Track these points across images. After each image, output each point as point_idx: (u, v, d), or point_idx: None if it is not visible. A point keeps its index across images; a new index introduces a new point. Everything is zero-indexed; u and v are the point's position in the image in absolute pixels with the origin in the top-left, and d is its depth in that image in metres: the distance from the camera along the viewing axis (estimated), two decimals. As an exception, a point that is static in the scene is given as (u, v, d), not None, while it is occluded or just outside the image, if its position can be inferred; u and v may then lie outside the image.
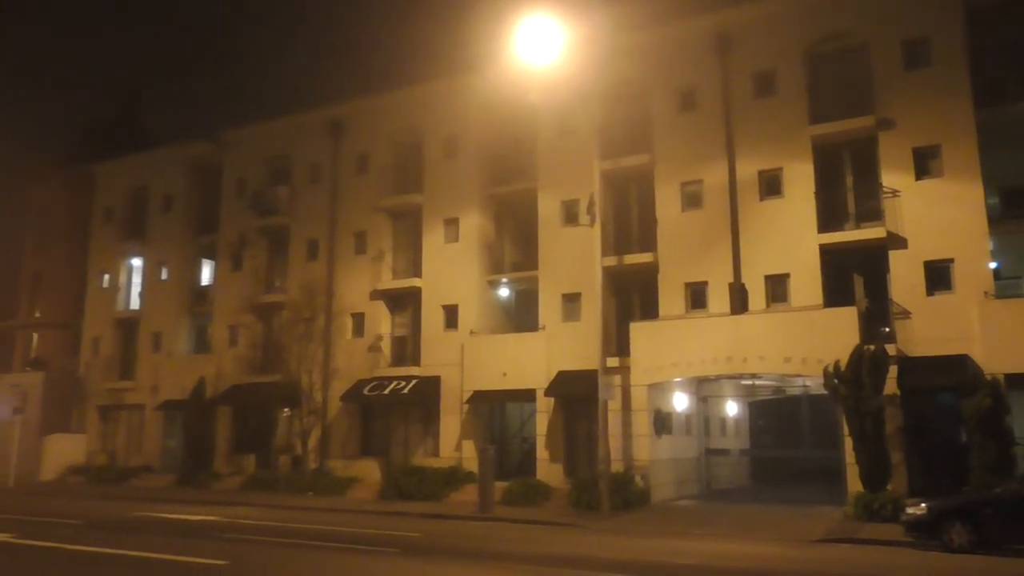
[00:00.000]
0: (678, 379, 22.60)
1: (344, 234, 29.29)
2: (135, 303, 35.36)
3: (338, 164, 29.95)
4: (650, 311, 23.69)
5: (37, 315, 39.40)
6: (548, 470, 23.53)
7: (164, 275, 34.38)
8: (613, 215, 25.01)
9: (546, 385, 23.77)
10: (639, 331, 22.63)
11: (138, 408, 33.45)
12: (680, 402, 23.99)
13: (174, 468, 30.51)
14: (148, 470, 31.21)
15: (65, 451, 33.41)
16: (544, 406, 24.01)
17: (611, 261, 23.60)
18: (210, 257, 34.13)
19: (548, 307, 24.88)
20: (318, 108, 30.89)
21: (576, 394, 23.17)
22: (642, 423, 22.14)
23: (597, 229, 21.19)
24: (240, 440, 30.57)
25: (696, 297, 22.97)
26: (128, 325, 35.15)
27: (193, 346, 34.04)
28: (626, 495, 20.45)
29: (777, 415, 27.98)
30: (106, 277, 36.14)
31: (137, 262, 35.77)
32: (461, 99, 27.65)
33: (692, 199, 23.43)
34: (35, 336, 39.39)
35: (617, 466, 21.24)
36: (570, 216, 24.82)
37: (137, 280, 35.73)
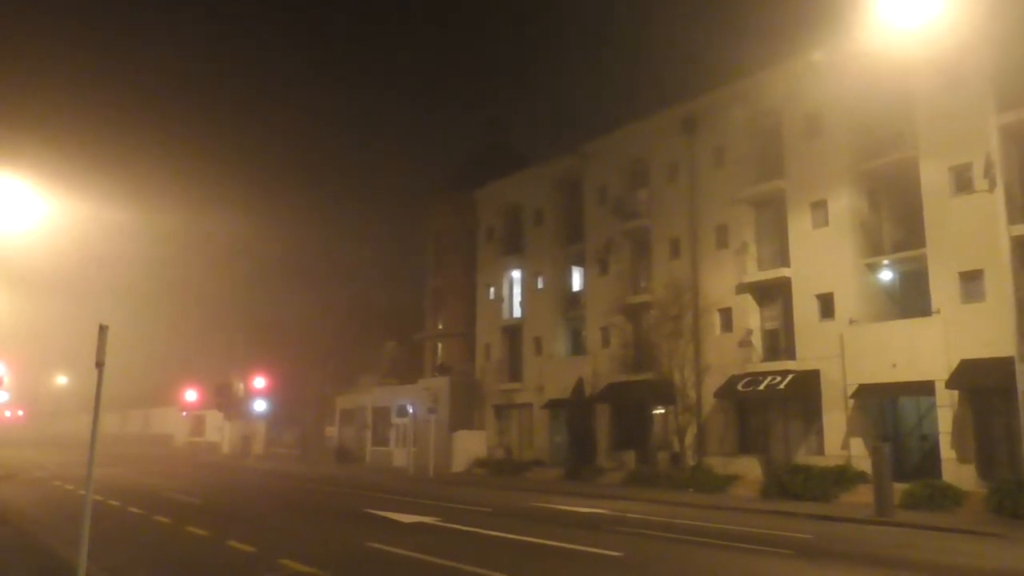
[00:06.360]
0: None
1: (705, 229, 29.02)
2: (517, 311, 38.75)
3: (694, 160, 29.80)
4: (1079, 284, 19.83)
5: (440, 327, 45.09)
6: (956, 471, 20.82)
7: (540, 284, 37.16)
8: (1019, 175, 21.44)
9: (946, 376, 21.10)
10: (1066, 309, 19.03)
11: (526, 407, 36.54)
12: None
13: (561, 462, 32.72)
14: (539, 464, 33.83)
15: (469, 446, 37.67)
16: (946, 399, 21.33)
17: (1020, 229, 20.24)
18: (579, 264, 36.09)
19: (941, 288, 22.07)
20: (670, 107, 31.06)
21: (987, 385, 20.25)
22: (1080, 418, 18.56)
23: (999, 194, 18.35)
24: (619, 436, 31.79)
25: None
26: (513, 332, 38.59)
27: (570, 348, 36.27)
28: (1065, 503, 17.30)
29: None
30: (492, 289, 40.10)
31: (516, 274, 39.16)
32: (820, 73, 25.83)
33: None
34: (439, 345, 45.10)
35: (1049, 468, 18.08)
36: (961, 183, 21.77)
37: (517, 290, 39.11)
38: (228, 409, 56.20)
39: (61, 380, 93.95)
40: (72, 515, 15.62)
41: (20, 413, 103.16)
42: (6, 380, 39.49)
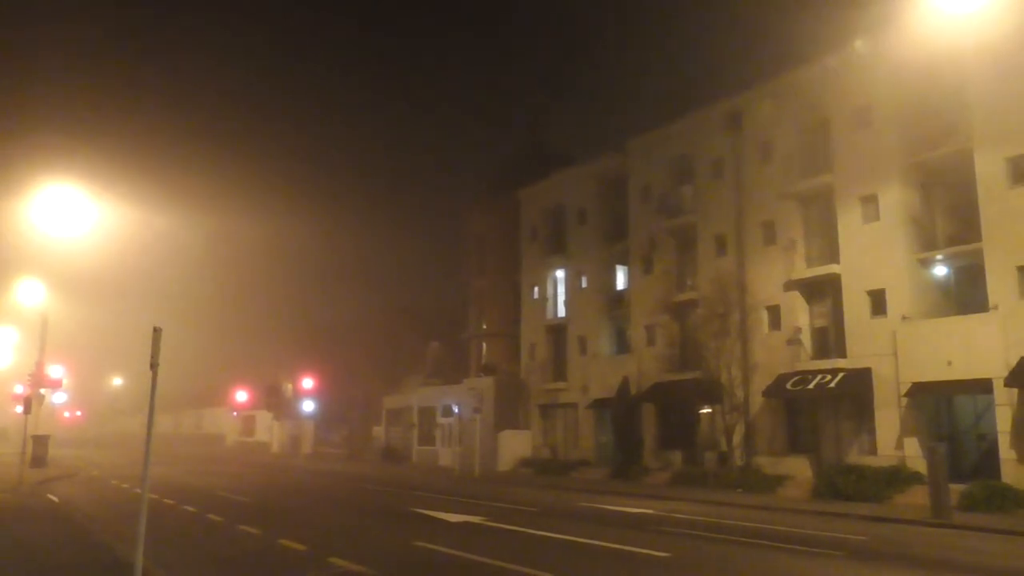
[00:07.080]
0: None
1: (751, 226, 28.61)
2: (561, 311, 38.67)
3: (740, 156, 29.40)
4: None
5: (484, 327, 45.19)
6: (1016, 472, 20.19)
7: (584, 283, 37.02)
8: (1080, 166, 20.73)
9: (1005, 373, 20.47)
10: None
11: (571, 406, 36.43)
12: None
13: (607, 462, 32.56)
14: (584, 463, 33.70)
15: (515, 445, 37.70)
16: (1005, 398, 20.69)
17: (1083, 221, 19.57)
18: (623, 263, 35.86)
19: (999, 283, 21.43)
20: (715, 103, 30.70)
21: (1048, 383, 19.58)
22: None
23: (1060, 185, 17.74)
24: (665, 436, 31.52)
25: None
26: (557, 331, 38.52)
27: (614, 347, 36.06)
28: None
29: None
30: (535, 289, 40.07)
31: (560, 273, 39.07)
32: (869, 64, 25.29)
33: None
34: (484, 345, 45.21)
35: (1115, 469, 17.43)
36: (1019, 173, 21.18)
37: (561, 290, 39.02)
38: (277, 409, 57.21)
39: (117, 381, 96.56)
40: (128, 513, 16.02)
41: (79, 414, 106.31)
42: (65, 382, 40.69)
